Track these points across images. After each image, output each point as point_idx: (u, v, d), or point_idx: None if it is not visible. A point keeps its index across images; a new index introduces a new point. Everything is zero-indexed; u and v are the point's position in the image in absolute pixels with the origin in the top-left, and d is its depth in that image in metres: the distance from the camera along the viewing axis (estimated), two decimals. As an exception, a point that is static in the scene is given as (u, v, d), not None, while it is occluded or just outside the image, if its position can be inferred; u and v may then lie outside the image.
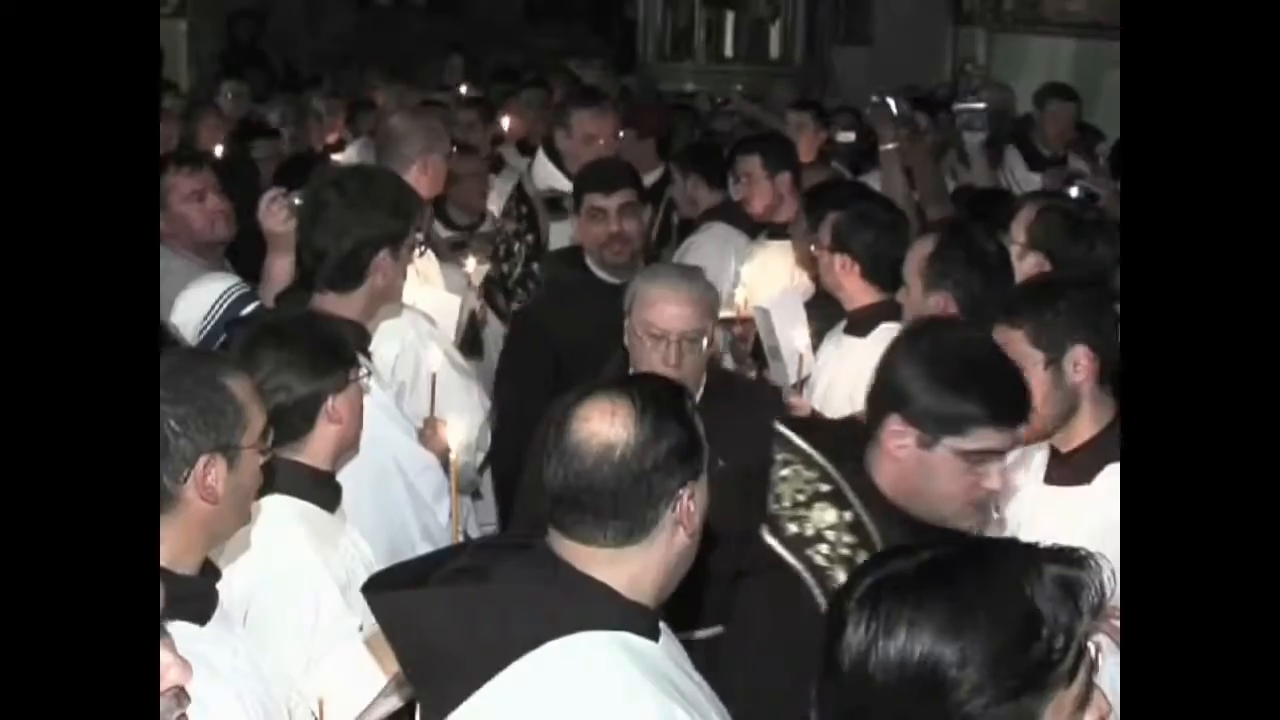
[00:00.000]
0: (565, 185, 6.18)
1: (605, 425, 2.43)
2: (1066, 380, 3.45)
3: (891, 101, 6.24)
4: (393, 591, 2.47)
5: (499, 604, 2.40)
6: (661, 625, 2.54)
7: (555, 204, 6.45)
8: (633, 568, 2.44)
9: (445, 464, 4.03)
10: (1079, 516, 3.43)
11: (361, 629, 3.12)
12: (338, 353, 3.45)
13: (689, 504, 2.46)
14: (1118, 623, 3.17)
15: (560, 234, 6.32)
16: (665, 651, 2.50)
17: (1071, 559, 1.81)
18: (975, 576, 1.79)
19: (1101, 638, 3.23)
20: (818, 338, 4.88)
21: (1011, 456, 3.16)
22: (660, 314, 4.14)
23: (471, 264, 5.92)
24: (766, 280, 5.86)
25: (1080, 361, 3.43)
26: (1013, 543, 1.94)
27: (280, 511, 3.27)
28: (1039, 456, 3.62)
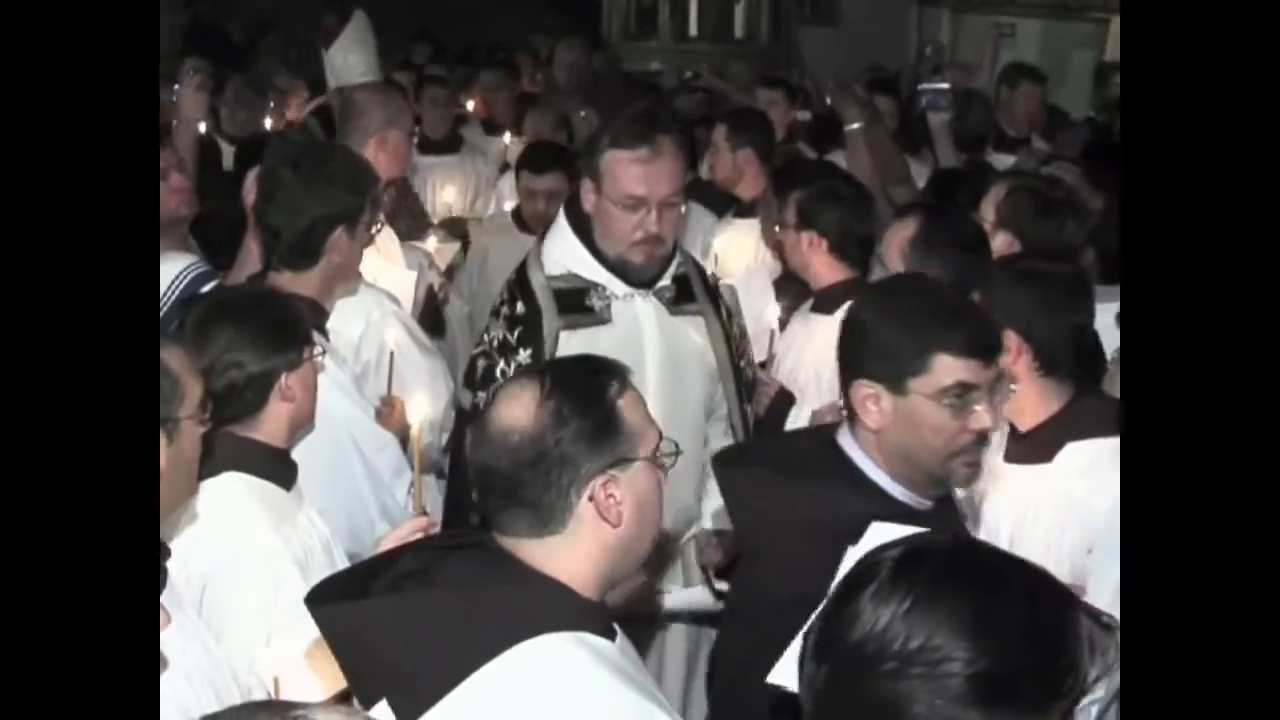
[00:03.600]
0: (593, 272, 4.14)
1: (508, 410, 2.37)
2: None
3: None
4: (336, 604, 2.37)
5: (450, 610, 2.31)
6: (615, 626, 2.46)
7: (575, 301, 4.10)
8: (566, 562, 2.36)
9: (404, 441, 4.00)
10: (1039, 493, 3.46)
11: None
12: (292, 330, 3.40)
13: (605, 494, 2.36)
14: None
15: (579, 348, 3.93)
16: (621, 650, 2.43)
17: (1100, 619, 1.79)
18: (1023, 583, 1.76)
19: None
20: (786, 315, 4.86)
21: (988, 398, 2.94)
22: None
23: (433, 242, 5.87)
24: (732, 259, 5.87)
25: (1010, 347, 3.42)
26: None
27: (236, 489, 3.23)
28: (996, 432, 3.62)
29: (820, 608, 1.80)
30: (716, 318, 4.26)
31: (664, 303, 4.16)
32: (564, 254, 4.12)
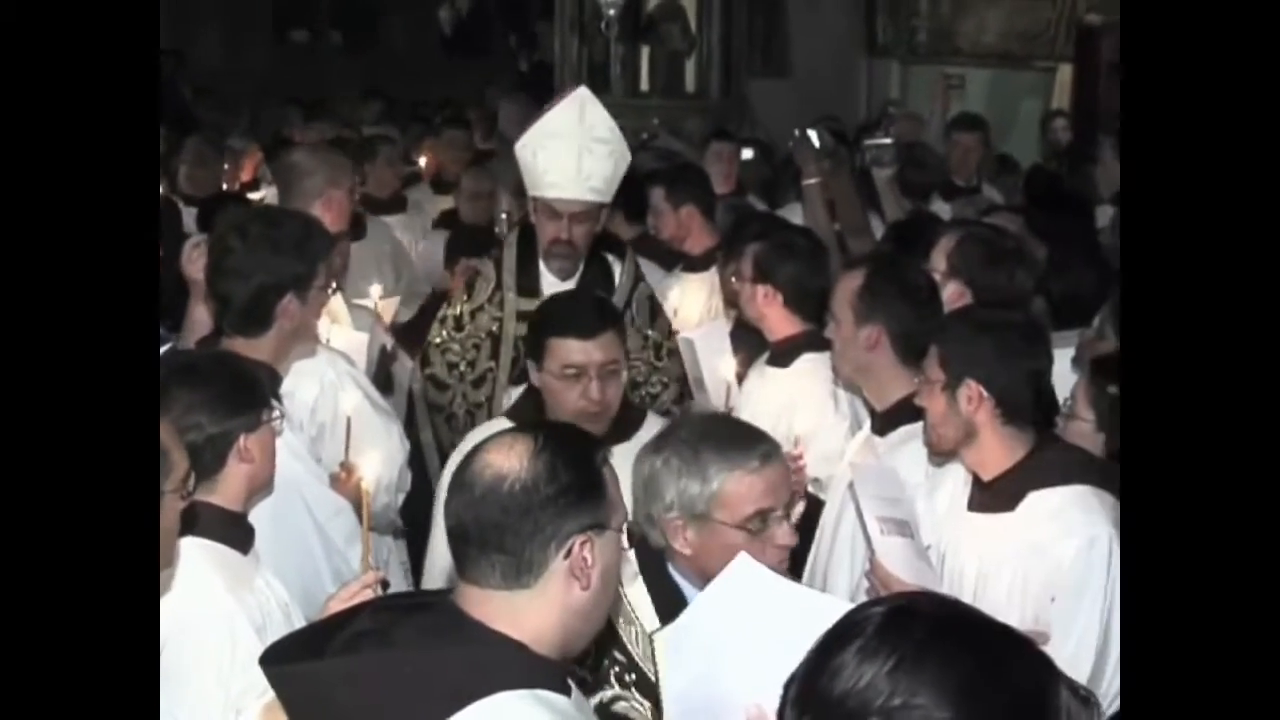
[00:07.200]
0: None
1: (500, 458, 2.38)
2: (960, 408, 3.48)
3: (814, 134, 6.28)
4: (292, 664, 2.35)
5: (407, 670, 2.30)
6: (570, 683, 2.46)
7: None
8: (530, 618, 2.36)
9: (359, 505, 3.97)
10: (1003, 542, 3.47)
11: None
12: (251, 392, 3.40)
13: (583, 554, 2.37)
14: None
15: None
16: (577, 706, 2.43)
17: (1079, 692, 1.81)
18: (1009, 651, 1.76)
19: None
20: (743, 368, 4.87)
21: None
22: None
23: (377, 290, 5.84)
24: (684, 312, 5.89)
25: (972, 396, 3.46)
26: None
27: (193, 553, 3.21)
28: (958, 481, 3.63)
29: (804, 658, 1.80)
30: None
31: None
32: None
